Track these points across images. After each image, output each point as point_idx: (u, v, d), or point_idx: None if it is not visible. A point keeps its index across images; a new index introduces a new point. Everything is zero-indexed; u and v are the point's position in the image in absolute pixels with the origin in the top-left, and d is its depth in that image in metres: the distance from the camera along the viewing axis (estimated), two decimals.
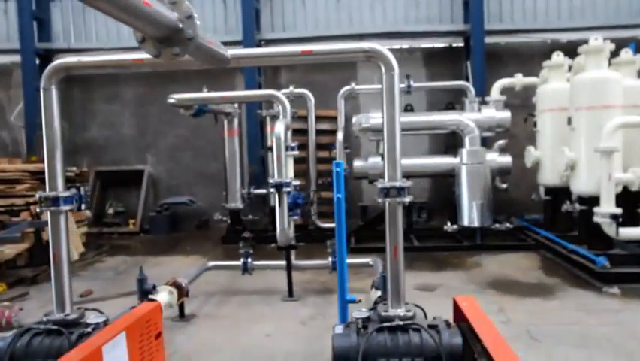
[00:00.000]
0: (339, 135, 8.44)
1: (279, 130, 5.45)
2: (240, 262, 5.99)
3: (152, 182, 11.19)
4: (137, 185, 10.99)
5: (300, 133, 9.43)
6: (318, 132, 9.66)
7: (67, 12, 11.28)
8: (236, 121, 8.81)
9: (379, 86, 8.81)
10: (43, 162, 8.98)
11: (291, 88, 8.79)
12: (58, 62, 3.15)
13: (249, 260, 6.01)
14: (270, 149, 5.91)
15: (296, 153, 6.04)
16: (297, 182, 5.92)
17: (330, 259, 5.90)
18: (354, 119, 8.36)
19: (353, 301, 3.83)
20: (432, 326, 3.07)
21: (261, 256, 6.98)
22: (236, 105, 8.69)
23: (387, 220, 3.14)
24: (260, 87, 9.90)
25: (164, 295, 4.75)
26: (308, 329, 4.95)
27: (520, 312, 5.17)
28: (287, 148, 5.80)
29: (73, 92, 11.34)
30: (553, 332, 4.59)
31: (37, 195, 3.22)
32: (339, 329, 3.11)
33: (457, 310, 3.27)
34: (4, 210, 7.68)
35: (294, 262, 6.07)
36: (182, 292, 5.05)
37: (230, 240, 8.83)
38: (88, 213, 9.62)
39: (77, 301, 6.00)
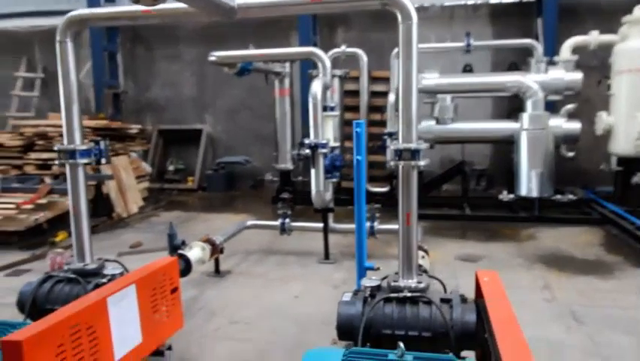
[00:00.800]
0: (391, 97, 8.08)
1: (315, 89, 5.26)
2: (277, 223, 5.99)
3: (210, 141, 11.44)
4: (196, 143, 11.29)
5: (354, 94, 9.18)
6: (374, 94, 9.36)
7: None
8: (287, 81, 8.69)
9: (436, 45, 8.31)
10: (105, 118, 9.39)
11: (343, 47, 8.48)
12: (72, 14, 3.14)
13: (287, 221, 5.99)
14: (326, 108, 5.73)
15: (335, 113, 5.83)
16: (336, 144, 5.76)
17: (367, 223, 5.72)
18: None
19: (372, 269, 3.68)
20: (445, 300, 2.86)
21: (307, 218, 6.98)
22: (287, 65, 8.55)
23: (400, 185, 2.92)
24: (315, 46, 9.66)
25: (196, 251, 4.86)
26: (337, 293, 4.85)
27: (569, 290, 4.77)
28: (325, 108, 5.62)
29: (137, 52, 11.70)
30: (602, 315, 4.20)
31: (56, 148, 3.29)
32: (347, 297, 2.98)
33: (478, 286, 3.02)
34: None
35: (332, 225, 5.98)
36: (215, 248, 5.13)
37: (301, 200, 8.87)
38: (148, 168, 10.04)
39: (126, 252, 6.38)
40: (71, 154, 3.23)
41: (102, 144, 3.38)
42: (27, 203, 6.65)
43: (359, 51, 8.47)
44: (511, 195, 7.44)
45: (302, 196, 8.83)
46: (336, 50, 8.55)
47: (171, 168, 11.08)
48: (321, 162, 5.32)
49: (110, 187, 8.21)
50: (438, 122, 8.01)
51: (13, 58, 12.15)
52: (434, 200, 8.43)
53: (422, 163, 2.88)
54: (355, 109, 9.13)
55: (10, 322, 2.65)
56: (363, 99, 8.60)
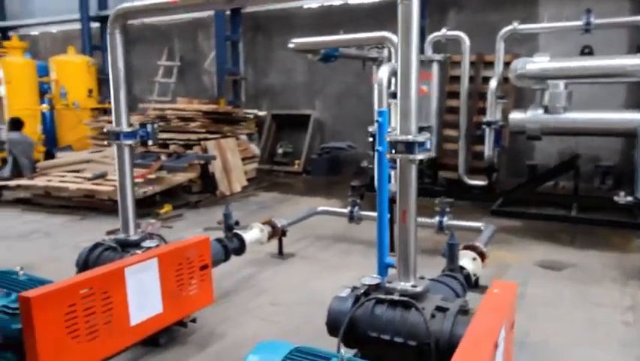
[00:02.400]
0: (492, 83, 7.43)
1: (381, 75, 5.07)
2: (346, 210, 5.96)
3: (318, 126, 11.70)
4: (306, 128, 11.65)
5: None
6: (486, 80, 8.68)
7: None
8: None
9: (547, 25, 7.42)
10: (222, 104, 10.10)
11: (444, 30, 8.00)
12: (117, 8, 3.45)
13: (356, 209, 5.92)
14: (395, 95, 5.54)
15: None
16: None
17: (437, 218, 5.41)
18: (511, 65, 7.22)
19: (392, 266, 3.50)
20: (441, 309, 2.62)
21: None
22: (384, 50, 8.33)
23: (398, 180, 2.71)
24: (423, 31, 9.24)
25: (254, 232, 5.07)
26: None
27: None
28: (394, 95, 5.38)
29: (257, 40, 12.37)
30: None
31: (105, 130, 3.67)
32: (345, 293, 2.90)
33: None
34: (182, 143, 9.02)
35: None
36: (275, 231, 5.29)
37: (373, 188, 8.80)
38: (256, 151, 10.66)
39: (212, 227, 6.86)
40: (117, 136, 3.58)
41: (149, 127, 3.70)
42: (138, 177, 7.52)
43: (461, 34, 7.91)
44: (629, 198, 6.38)
45: None
46: (436, 33, 8.11)
47: (280, 151, 11.60)
48: None
49: (216, 167, 8.89)
50: (547, 110, 7.16)
51: (157, 48, 13.71)
52: (541, 197, 7.60)
53: (420, 157, 2.64)
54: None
55: (44, 279, 3.07)
56: (464, 85, 8.03)
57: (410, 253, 2.73)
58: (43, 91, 11.07)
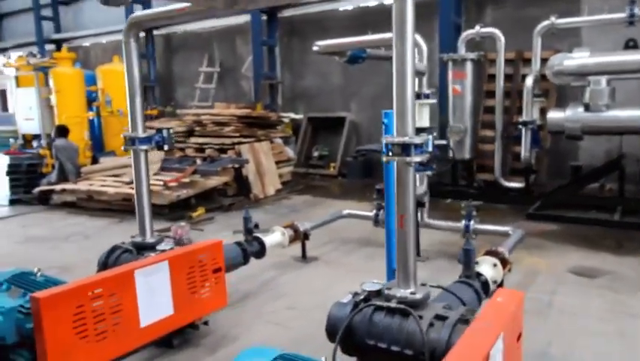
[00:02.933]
0: (528, 81, 7.14)
1: None
2: (371, 214, 5.88)
3: (354, 129, 11.64)
4: (342, 131, 11.61)
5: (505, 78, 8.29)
6: (526, 78, 8.34)
7: None
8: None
9: (590, 18, 7.06)
10: (258, 108, 10.24)
11: (477, 27, 7.76)
12: (131, 16, 3.56)
13: (381, 213, 5.82)
14: (418, 96, 5.44)
15: (431, 101, 5.41)
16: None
17: (463, 222, 5.24)
18: (548, 62, 6.91)
19: None
20: (440, 318, 2.53)
21: (435, 211, 6.71)
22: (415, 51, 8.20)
23: (395, 183, 2.64)
24: (459, 29, 9.02)
25: (275, 236, 5.10)
26: None
27: None
28: (419, 96, 5.27)
29: (293, 44, 12.46)
30: None
31: (122, 136, 3.78)
32: (346, 298, 2.85)
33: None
34: (217, 147, 9.20)
35: (426, 220, 5.63)
36: (297, 234, 5.29)
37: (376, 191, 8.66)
38: (291, 154, 10.72)
39: (241, 230, 6.93)
40: (132, 141, 3.69)
41: (165, 132, 3.78)
42: (172, 181, 7.74)
43: (495, 31, 7.66)
44: None
45: (436, 187, 8.47)
46: (469, 31, 7.88)
47: (316, 154, 11.61)
48: None
49: (249, 170, 9.01)
50: (588, 108, 6.80)
51: (198, 55, 14.08)
52: (582, 200, 7.23)
53: (418, 159, 2.55)
54: (505, 95, 8.24)
55: (57, 280, 3.20)
56: (500, 84, 7.77)
57: (409, 258, 2.64)
58: (91, 99, 11.60)
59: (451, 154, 7.58)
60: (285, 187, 9.83)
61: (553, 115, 7.04)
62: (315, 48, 5.94)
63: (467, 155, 8.10)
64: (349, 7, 11.38)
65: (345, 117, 11.51)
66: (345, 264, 5.47)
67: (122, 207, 8.06)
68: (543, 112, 7.51)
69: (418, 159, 2.54)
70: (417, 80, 5.38)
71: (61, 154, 8.51)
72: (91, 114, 10.76)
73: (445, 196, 8.30)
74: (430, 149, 2.69)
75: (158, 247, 3.72)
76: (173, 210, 7.90)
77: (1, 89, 19.50)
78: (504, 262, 3.95)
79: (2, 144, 11.21)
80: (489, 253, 3.98)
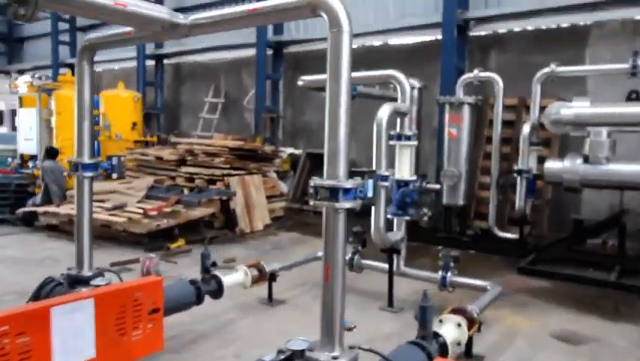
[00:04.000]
0: (525, 128, 6.86)
1: (381, 115, 4.75)
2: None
3: (353, 167, 11.34)
4: None
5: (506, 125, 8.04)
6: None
7: None
8: (414, 108, 8.11)
9: (592, 68, 6.83)
10: (258, 142, 10.10)
11: (476, 71, 7.57)
12: (85, 39, 3.42)
13: (356, 257, 5.51)
14: (398, 137, 5.21)
15: (412, 143, 5.16)
16: (411, 177, 5.10)
17: (440, 273, 4.89)
18: (545, 110, 6.65)
19: (347, 328, 3.07)
20: None
21: (425, 258, 6.41)
22: (415, 92, 8.02)
23: (324, 231, 2.35)
24: (462, 72, 8.82)
25: (237, 275, 4.80)
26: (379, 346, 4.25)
27: None
28: (400, 137, 5.04)
29: (296, 78, 12.33)
30: None
31: (67, 160, 3.58)
32: (268, 357, 2.54)
33: None
34: (207, 178, 9.01)
35: (403, 268, 5.28)
36: (262, 275, 4.99)
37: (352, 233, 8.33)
38: (284, 189, 10.48)
39: (220, 266, 6.63)
40: (76, 167, 3.48)
41: (115, 160, 3.58)
42: (153, 210, 7.53)
43: (494, 75, 7.46)
44: None
45: (427, 233, 8.17)
46: (467, 75, 7.69)
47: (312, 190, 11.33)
48: (382, 197, 4.75)
49: (237, 203, 8.77)
50: (587, 160, 6.45)
51: (205, 85, 14.14)
52: (579, 256, 6.80)
53: (348, 205, 2.28)
54: (505, 142, 7.94)
55: None
56: (497, 130, 7.49)
57: (335, 318, 2.34)
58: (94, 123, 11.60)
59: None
60: (275, 223, 9.55)
61: (551, 165, 6.70)
62: (299, 83, 5.79)
63: (461, 201, 7.76)
64: (354, 46, 11.30)
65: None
66: (312, 310, 5.08)
67: (101, 234, 7.85)
68: (542, 161, 7.19)
69: (348, 205, 2.27)
70: (398, 120, 5.15)
71: (48, 176, 8.40)
72: None
73: (437, 243, 7.92)
74: (369, 194, 2.42)
75: (93, 282, 3.44)
76: (154, 240, 7.66)
77: (11, 108, 19.83)
78: (471, 322, 3.60)
79: (1, 162, 11.17)
80: (455, 310, 3.65)
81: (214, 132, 12.82)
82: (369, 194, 2.41)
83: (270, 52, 12.30)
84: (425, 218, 5.31)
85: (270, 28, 12.17)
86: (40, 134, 10.98)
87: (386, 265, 5.34)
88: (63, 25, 17.82)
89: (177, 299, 4.02)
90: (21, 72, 19.83)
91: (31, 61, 19.79)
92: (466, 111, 7.59)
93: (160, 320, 3.52)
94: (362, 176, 2.51)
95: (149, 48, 14.81)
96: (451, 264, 4.84)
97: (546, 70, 6.97)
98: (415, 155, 8.03)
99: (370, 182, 2.42)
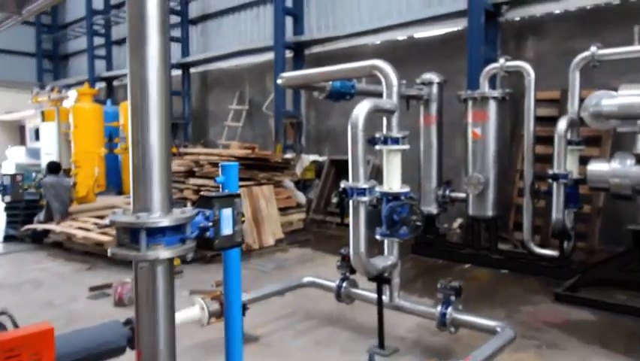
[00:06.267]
0: (560, 124, 5.69)
1: (357, 113, 3.86)
2: (333, 284, 4.68)
3: (379, 174, 10.41)
4: None
5: (545, 121, 6.86)
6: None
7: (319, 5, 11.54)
8: (434, 106, 7.13)
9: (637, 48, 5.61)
10: (278, 150, 9.44)
11: (502, 60, 6.45)
12: None
13: (345, 285, 4.62)
14: (373, 140, 4.30)
15: (403, 147, 4.22)
16: (404, 189, 4.17)
17: (438, 308, 3.91)
18: (585, 101, 5.48)
19: None
20: None
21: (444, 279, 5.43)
22: (433, 86, 7.04)
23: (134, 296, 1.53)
24: (486, 62, 7.68)
25: (192, 310, 4.06)
26: None
27: None
28: (386, 140, 4.12)
29: None
30: None
31: None
32: None
33: None
34: (213, 190, 8.39)
35: (398, 301, 4.33)
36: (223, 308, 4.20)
37: (421, 250, 7.33)
38: (302, 199, 9.70)
39: (201, 290, 5.94)
40: None
41: (6, 179, 2.94)
42: None
43: (523, 64, 6.33)
44: None
45: (449, 249, 7.15)
46: (492, 65, 6.59)
47: (334, 200, 10.43)
48: (361, 214, 3.87)
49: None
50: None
51: (231, 93, 13.68)
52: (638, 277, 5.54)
53: (167, 255, 1.44)
54: (546, 140, 6.74)
55: None
56: (529, 128, 6.33)
57: None
58: (112, 135, 11.38)
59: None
60: (289, 237, 8.77)
61: (596, 167, 5.50)
62: (279, 81, 4.99)
63: (490, 212, 6.66)
64: (377, 42, 10.41)
65: (368, 161, 10.35)
66: (287, 350, 4.28)
67: (98, 252, 7.40)
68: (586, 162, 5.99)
69: (166, 254, 1.43)
70: (385, 120, 4.24)
71: (48, 191, 8.09)
72: (102, 150, 10.44)
73: (462, 260, 6.88)
74: (227, 231, 1.58)
75: None
76: None
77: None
78: None
79: (27, 177, 11.14)
80: None
81: (238, 140, 12.28)
82: (227, 231, 1.58)
83: (290, 54, 11.60)
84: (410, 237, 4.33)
85: (290, 29, 11.49)
86: (59, 148, 10.86)
87: (373, 295, 4.39)
88: (99, 40, 18.06)
89: (102, 345, 3.31)
90: (67, 87, 20.39)
91: (75, 76, 20.25)
92: (492, 107, 6.50)
93: None
94: (208, 204, 1.67)
95: (175, 57, 14.55)
96: (452, 297, 3.85)
97: (586, 53, 5.79)
98: (438, 160, 7.16)
99: (228, 212, 1.58)
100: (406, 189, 4.18)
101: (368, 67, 4.24)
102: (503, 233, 7.76)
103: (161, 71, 1.40)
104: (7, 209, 8.90)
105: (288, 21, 11.50)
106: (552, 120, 7.12)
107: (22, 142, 19.85)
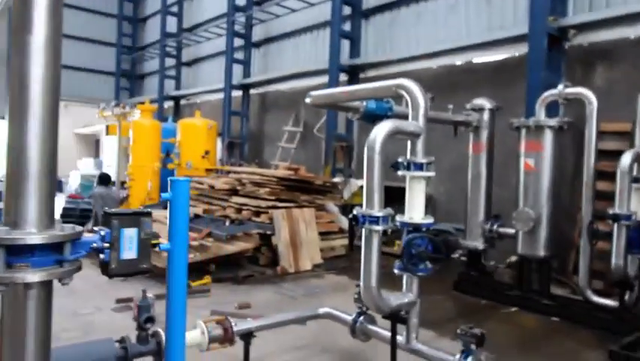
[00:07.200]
0: (623, 160, 5.04)
1: (374, 135, 3.56)
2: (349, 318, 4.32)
3: (429, 203, 9.91)
4: None
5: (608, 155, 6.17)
6: None
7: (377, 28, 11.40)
8: (484, 133, 6.66)
9: None
10: (327, 173, 9.28)
11: (560, 87, 5.89)
12: None
13: (361, 319, 4.25)
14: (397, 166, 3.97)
15: (427, 174, 3.85)
16: (426, 220, 3.80)
17: (457, 356, 3.46)
18: None
19: None
20: None
21: (486, 323, 4.98)
22: (484, 112, 6.59)
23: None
24: (547, 89, 7.10)
25: (193, 334, 3.86)
26: None
27: None
28: (409, 166, 3.77)
29: None
30: None
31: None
32: None
33: None
34: (254, 209, 8.30)
35: (415, 344, 3.90)
36: (227, 335, 3.97)
37: (463, 288, 6.78)
38: (345, 224, 9.38)
39: (226, 312, 5.76)
40: None
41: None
42: None
43: (584, 91, 5.73)
44: None
45: (489, 288, 6.57)
46: (550, 91, 6.04)
47: None
48: (374, 243, 3.54)
49: (281, 239, 7.91)
50: None
51: (286, 115, 13.76)
52: None
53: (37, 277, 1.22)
54: (612, 176, 6.05)
55: None
56: (589, 162, 5.69)
57: None
58: (168, 151, 11.73)
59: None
60: (328, 262, 8.48)
61: None
62: (307, 99, 4.80)
63: (541, 251, 6.03)
64: (433, 66, 10.05)
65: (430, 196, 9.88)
66: None
67: None
68: None
69: (36, 276, 1.22)
70: (409, 143, 3.91)
71: (97, 202, 8.36)
72: (155, 165, 10.75)
73: (508, 302, 6.25)
74: (128, 254, 1.35)
75: None
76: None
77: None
78: None
79: (88, 187, 11.71)
80: None
81: (290, 162, 12.25)
82: (128, 254, 1.34)
83: (345, 77, 11.48)
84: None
85: (346, 51, 11.39)
86: (118, 161, 11.32)
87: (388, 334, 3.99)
88: (170, 62, 18.96)
89: None
90: (142, 104, 21.58)
91: (148, 94, 21.37)
92: (547, 137, 5.94)
93: None
94: (106, 222, 1.43)
95: (237, 77, 14.90)
96: (473, 346, 3.39)
97: None
98: (487, 191, 6.64)
99: (131, 233, 1.35)
100: (429, 220, 3.80)
101: (393, 86, 3.95)
102: (561, 276, 7.04)
103: (49, 68, 1.21)
104: (62, 216, 9.31)
105: (345, 44, 11.42)
106: (620, 154, 6.42)
107: (97, 155, 21.11)
